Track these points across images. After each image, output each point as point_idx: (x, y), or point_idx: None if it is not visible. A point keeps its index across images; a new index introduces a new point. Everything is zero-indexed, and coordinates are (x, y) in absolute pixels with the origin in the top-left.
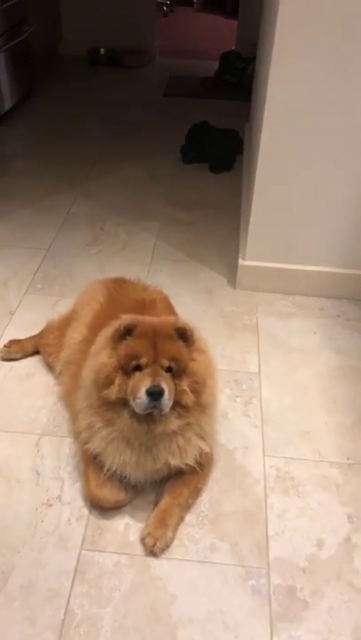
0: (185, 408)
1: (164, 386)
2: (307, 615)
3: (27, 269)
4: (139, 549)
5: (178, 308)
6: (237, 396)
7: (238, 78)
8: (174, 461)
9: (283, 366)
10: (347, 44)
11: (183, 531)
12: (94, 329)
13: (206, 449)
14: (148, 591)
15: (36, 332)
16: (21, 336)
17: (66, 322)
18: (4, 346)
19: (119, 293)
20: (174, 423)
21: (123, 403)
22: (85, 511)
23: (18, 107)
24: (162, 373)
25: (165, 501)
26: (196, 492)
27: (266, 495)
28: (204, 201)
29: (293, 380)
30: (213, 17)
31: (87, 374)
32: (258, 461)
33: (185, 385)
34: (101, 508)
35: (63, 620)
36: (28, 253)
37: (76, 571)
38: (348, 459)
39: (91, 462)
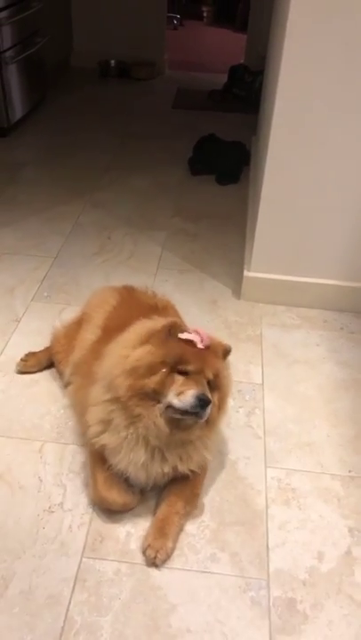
0: (207, 421)
1: (210, 397)
2: (306, 628)
3: (34, 277)
4: (139, 558)
5: (183, 318)
6: (240, 407)
7: (246, 91)
8: (181, 467)
9: (286, 378)
10: (355, 59)
11: (184, 540)
12: (108, 330)
13: (210, 458)
14: (147, 600)
15: (41, 339)
16: (26, 343)
17: (75, 326)
18: (21, 359)
19: (131, 298)
20: (195, 433)
21: (156, 399)
22: (87, 518)
23: (29, 116)
24: (206, 385)
25: (163, 511)
26: (194, 498)
27: (267, 506)
28: (211, 212)
29: (296, 392)
30: (223, 31)
31: (114, 366)
32: (260, 472)
33: (216, 399)
34: (109, 511)
35: (62, 628)
36: (36, 261)
37: (76, 578)
38: (349, 471)
39: (98, 463)
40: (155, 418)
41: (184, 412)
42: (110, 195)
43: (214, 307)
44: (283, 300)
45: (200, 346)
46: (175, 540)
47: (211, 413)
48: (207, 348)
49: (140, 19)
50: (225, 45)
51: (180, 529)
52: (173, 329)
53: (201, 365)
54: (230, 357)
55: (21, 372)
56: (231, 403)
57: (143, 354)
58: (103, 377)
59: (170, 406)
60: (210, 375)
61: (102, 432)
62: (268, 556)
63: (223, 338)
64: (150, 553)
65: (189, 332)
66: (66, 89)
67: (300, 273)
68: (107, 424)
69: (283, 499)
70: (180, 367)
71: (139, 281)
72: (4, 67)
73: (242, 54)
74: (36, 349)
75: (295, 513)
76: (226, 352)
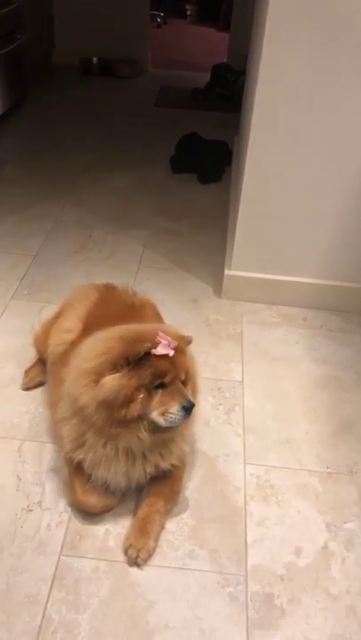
0: None
1: (193, 400)
2: (283, 622)
3: (13, 275)
4: (118, 555)
5: (163, 316)
6: (220, 404)
7: (229, 90)
8: (163, 464)
9: (266, 375)
10: (333, 58)
11: (163, 537)
12: (87, 325)
13: (187, 449)
14: (126, 597)
15: (21, 337)
16: (6, 342)
17: (53, 320)
18: (24, 376)
19: (110, 295)
20: (177, 431)
21: (138, 419)
22: (65, 517)
23: (9, 114)
24: (183, 387)
25: (144, 510)
26: (174, 496)
27: (246, 503)
28: (193, 211)
29: (276, 389)
30: (206, 29)
31: (81, 392)
32: (239, 469)
33: (190, 391)
34: (88, 514)
35: (40, 626)
36: (16, 259)
37: (54, 576)
38: (327, 467)
39: (75, 470)
40: (138, 433)
41: (178, 422)
42: (91, 193)
43: (195, 305)
44: (263, 299)
45: (170, 353)
46: (156, 539)
47: None
48: (175, 349)
49: (123, 16)
50: (208, 44)
51: (162, 527)
52: (145, 350)
53: (174, 372)
54: (211, 355)
55: (28, 389)
56: (211, 400)
57: (115, 386)
58: (69, 399)
59: (153, 421)
60: (182, 377)
61: (78, 448)
62: (246, 552)
63: (204, 336)
64: (132, 552)
65: (158, 342)
66: (47, 86)
67: (281, 271)
68: (81, 442)
69: (261, 495)
70: (158, 382)
71: (120, 279)
72: None
73: (225, 53)
74: (15, 348)
75: (274, 509)
76: (188, 344)
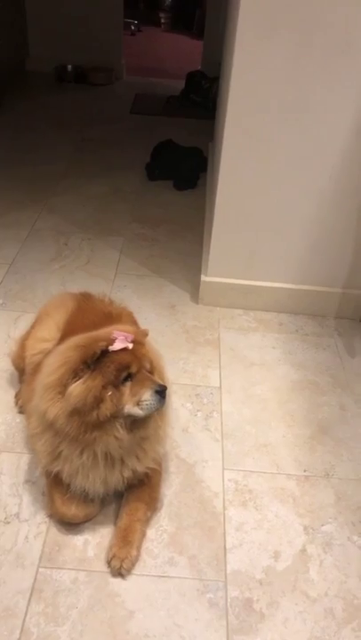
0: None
1: (163, 382)
2: (263, 627)
3: None
4: (97, 565)
5: (141, 323)
6: (198, 411)
7: (203, 97)
8: (139, 467)
9: (243, 380)
10: (305, 64)
11: (142, 545)
12: (64, 334)
13: (162, 451)
14: (105, 607)
15: None
16: None
17: (29, 330)
18: (16, 400)
19: (87, 305)
20: (152, 426)
21: (112, 417)
22: (44, 528)
23: None
24: (151, 375)
25: (124, 520)
26: (153, 502)
27: (225, 508)
28: (169, 218)
29: (253, 394)
30: (180, 37)
31: (47, 408)
32: (217, 475)
33: (156, 375)
34: (69, 525)
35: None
36: None
37: (32, 589)
38: (304, 471)
39: (53, 482)
40: (115, 433)
41: (154, 409)
42: (67, 200)
43: (173, 311)
44: (240, 304)
45: (129, 346)
46: (139, 548)
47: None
48: (133, 342)
49: (97, 24)
50: (182, 51)
51: (143, 535)
52: (101, 351)
53: (138, 362)
54: (189, 361)
55: (23, 412)
56: (189, 406)
57: (81, 391)
58: (38, 415)
59: (129, 415)
60: (147, 366)
61: (54, 460)
62: (225, 557)
63: (182, 342)
64: (115, 563)
65: (114, 338)
66: (21, 94)
67: (256, 277)
68: (56, 454)
69: (240, 500)
70: (123, 376)
71: (97, 287)
72: None
73: (199, 60)
74: None
75: (252, 514)
76: (145, 336)
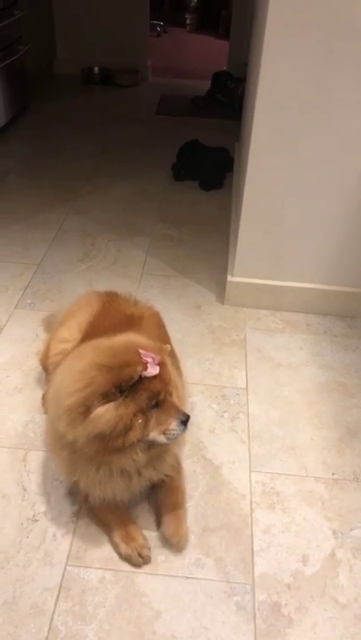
0: None
1: (187, 413)
2: (291, 632)
3: (17, 284)
4: (124, 565)
5: (167, 323)
6: (225, 412)
7: (229, 98)
8: (157, 475)
9: (270, 382)
10: (333, 64)
11: (169, 546)
12: (86, 335)
13: (178, 452)
14: (132, 607)
15: (24, 347)
16: (10, 351)
17: (55, 333)
18: (43, 402)
19: (111, 305)
20: (170, 445)
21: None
22: (71, 526)
23: (12, 124)
24: (175, 401)
25: (165, 502)
26: (183, 491)
27: (252, 510)
28: (195, 218)
29: (280, 396)
30: (206, 38)
31: (68, 423)
32: (244, 477)
33: (176, 398)
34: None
35: (47, 638)
36: (19, 268)
37: (60, 587)
38: (333, 474)
39: (103, 520)
40: (135, 456)
41: (177, 438)
42: (94, 201)
43: (198, 312)
44: (266, 305)
45: (157, 371)
46: (186, 520)
47: None
48: (159, 365)
49: (123, 26)
50: (208, 52)
51: (185, 510)
52: (139, 374)
53: (165, 388)
54: (215, 362)
55: None
56: (215, 407)
57: (112, 416)
58: (55, 433)
59: (154, 441)
60: (171, 390)
61: (71, 472)
62: (252, 560)
63: (207, 343)
64: (175, 539)
65: (146, 362)
66: (49, 96)
67: (283, 277)
68: (74, 468)
69: (267, 502)
70: (152, 403)
71: (123, 287)
72: None
73: (225, 61)
74: (20, 357)
75: (280, 516)
76: (167, 352)
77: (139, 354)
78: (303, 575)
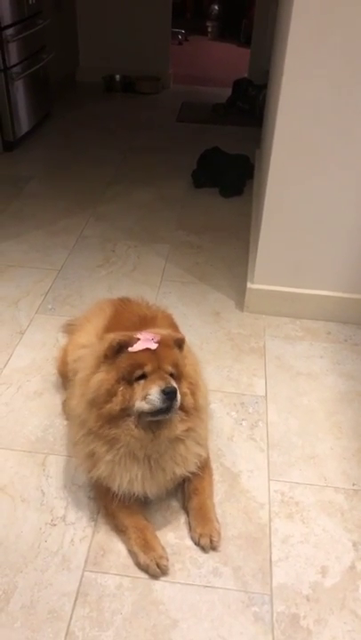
0: (186, 412)
1: (175, 385)
2: None
3: (38, 289)
4: (141, 572)
5: (186, 330)
6: (243, 420)
7: (250, 105)
8: (179, 470)
9: (289, 390)
10: (355, 73)
11: (186, 554)
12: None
13: (204, 454)
14: (149, 615)
15: (45, 351)
16: (30, 355)
17: (70, 340)
18: (63, 407)
19: (124, 309)
20: (178, 427)
21: (125, 415)
22: (89, 531)
23: (34, 131)
24: (169, 378)
25: (195, 501)
26: (212, 488)
27: (270, 520)
28: (214, 225)
29: (300, 404)
30: (227, 45)
31: (80, 400)
32: (263, 485)
33: (185, 387)
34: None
35: None
36: (40, 274)
37: (78, 592)
38: (353, 484)
39: (121, 527)
40: (130, 431)
41: (156, 411)
42: (114, 208)
43: (217, 318)
44: (286, 312)
45: (152, 346)
46: (218, 521)
47: (186, 401)
48: (159, 343)
49: (145, 34)
50: (229, 60)
51: (215, 511)
52: (119, 345)
53: (156, 363)
54: (233, 370)
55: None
56: (234, 415)
57: (97, 382)
58: (75, 414)
59: (141, 413)
60: (168, 368)
61: (92, 466)
62: (271, 570)
63: (226, 350)
64: (205, 541)
65: (138, 338)
66: (71, 103)
67: (304, 285)
68: (92, 457)
69: (286, 512)
70: (136, 374)
71: (142, 293)
72: (11, 83)
73: (246, 68)
74: (40, 362)
75: (298, 527)
76: (178, 342)
77: (135, 331)
78: (322, 587)
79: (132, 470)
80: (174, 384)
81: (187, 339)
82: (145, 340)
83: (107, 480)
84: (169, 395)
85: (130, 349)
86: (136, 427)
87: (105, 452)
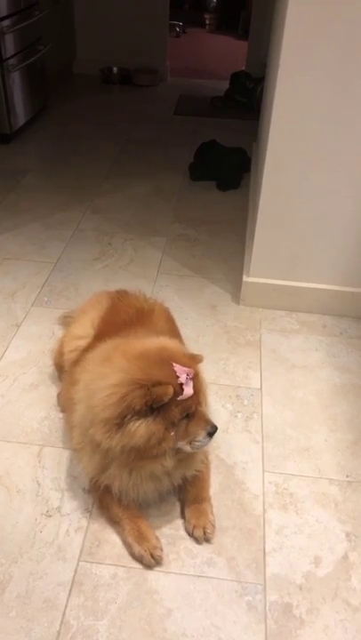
0: None
1: (214, 422)
2: (302, 633)
3: (34, 282)
4: (136, 562)
5: (182, 323)
6: (238, 412)
7: (248, 98)
8: (188, 473)
9: (285, 382)
10: (352, 66)
11: (180, 544)
12: (99, 333)
13: (206, 451)
14: (143, 604)
15: (41, 344)
16: (26, 348)
17: (66, 332)
18: (58, 400)
19: (121, 301)
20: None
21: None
22: (84, 522)
23: (31, 123)
24: (208, 415)
25: (192, 493)
26: (208, 484)
27: (264, 511)
28: (211, 218)
29: (295, 397)
30: (225, 38)
31: (102, 432)
32: (257, 477)
33: (203, 404)
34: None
35: (58, 632)
36: (36, 266)
37: (73, 582)
38: (347, 476)
39: (115, 519)
40: (162, 462)
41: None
42: (111, 201)
43: (214, 312)
44: (282, 305)
45: (192, 389)
46: (212, 513)
47: None
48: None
49: (142, 26)
50: (227, 52)
51: (211, 503)
52: (169, 397)
53: (197, 400)
54: (229, 362)
55: (64, 411)
56: (229, 407)
57: (147, 432)
58: (86, 436)
59: (179, 449)
60: (201, 400)
61: (102, 474)
62: (264, 560)
63: (222, 343)
64: (199, 532)
65: (181, 384)
66: (68, 96)
67: (300, 278)
68: (103, 471)
69: (280, 503)
70: (183, 416)
71: (139, 286)
72: (7, 74)
73: (244, 61)
74: (36, 354)
75: (292, 518)
76: (199, 363)
77: (173, 370)
78: (315, 577)
79: (147, 487)
80: (213, 422)
81: (183, 332)
82: (187, 385)
83: (115, 491)
84: (212, 434)
85: (180, 398)
86: (170, 458)
87: (126, 477)
